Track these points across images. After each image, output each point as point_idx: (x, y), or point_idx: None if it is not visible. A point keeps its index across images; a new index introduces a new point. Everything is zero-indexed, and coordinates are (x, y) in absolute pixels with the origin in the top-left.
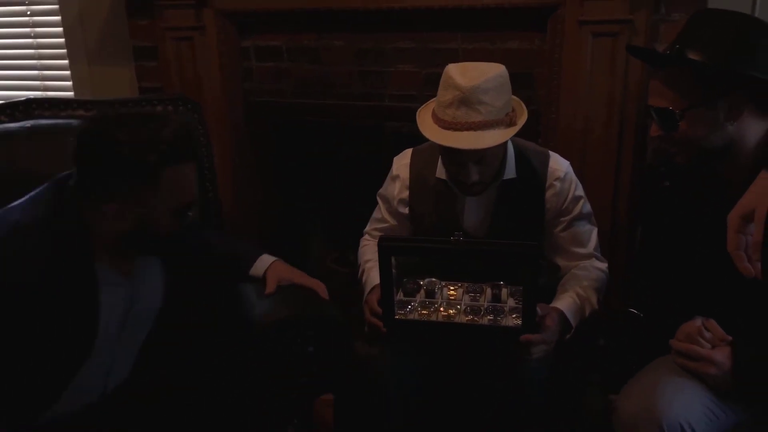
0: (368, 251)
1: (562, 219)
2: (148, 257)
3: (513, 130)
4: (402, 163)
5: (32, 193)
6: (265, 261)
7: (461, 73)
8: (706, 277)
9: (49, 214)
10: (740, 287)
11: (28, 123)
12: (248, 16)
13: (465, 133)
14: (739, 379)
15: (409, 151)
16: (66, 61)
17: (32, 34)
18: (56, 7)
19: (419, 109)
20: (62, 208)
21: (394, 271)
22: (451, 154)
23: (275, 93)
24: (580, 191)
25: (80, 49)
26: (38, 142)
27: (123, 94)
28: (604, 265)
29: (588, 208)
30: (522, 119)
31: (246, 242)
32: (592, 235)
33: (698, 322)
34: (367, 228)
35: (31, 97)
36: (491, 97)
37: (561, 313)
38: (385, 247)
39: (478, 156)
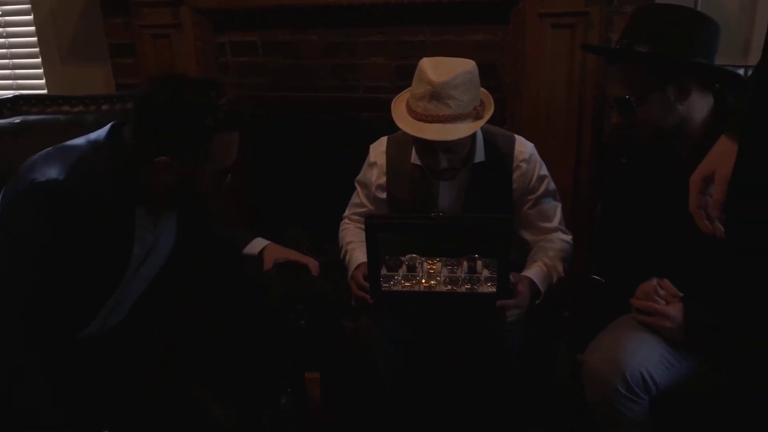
0: (349, 234)
1: (529, 197)
2: (172, 212)
3: (479, 123)
4: (378, 150)
5: (91, 135)
6: (260, 242)
7: (433, 68)
8: (661, 242)
9: (109, 155)
10: (690, 249)
11: (16, 119)
12: (223, 13)
13: (435, 125)
14: (689, 331)
15: (384, 139)
16: (38, 60)
17: (4, 34)
18: (28, 6)
19: (394, 100)
20: (119, 151)
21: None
22: (422, 144)
23: (251, 87)
24: (545, 171)
25: (53, 47)
26: (27, 138)
27: (98, 91)
28: (568, 237)
29: (552, 186)
30: (488, 113)
31: (242, 232)
32: (556, 210)
33: (654, 282)
34: (347, 213)
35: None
36: (460, 92)
37: (531, 281)
38: (372, 224)
39: (447, 146)
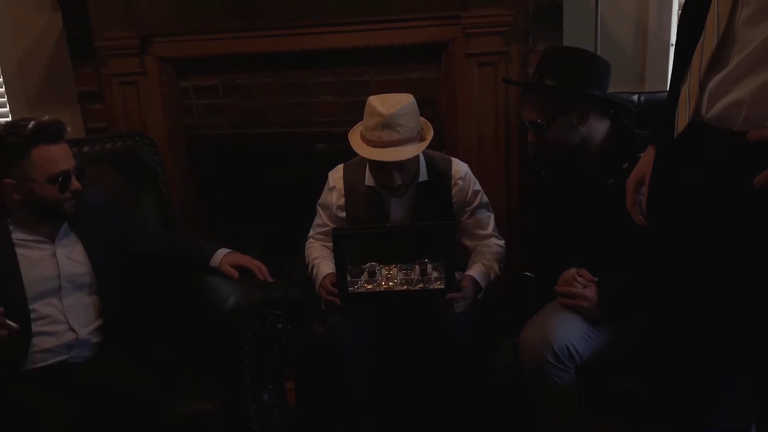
0: (315, 251)
1: (466, 209)
2: (64, 225)
3: (425, 144)
4: (336, 176)
5: None
6: (220, 253)
7: (381, 103)
8: (576, 238)
9: None
10: (600, 242)
11: None
12: (186, 60)
13: (389, 149)
14: (603, 309)
15: (341, 166)
16: (5, 109)
17: None
18: None
19: (349, 133)
20: None
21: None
22: (379, 165)
23: (213, 126)
24: (478, 186)
25: (21, 95)
26: None
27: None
28: (501, 242)
29: (485, 199)
30: (430, 135)
31: (210, 242)
32: (490, 220)
33: (572, 270)
34: (311, 233)
35: None
36: (406, 119)
37: (473, 278)
38: (339, 235)
39: (400, 165)
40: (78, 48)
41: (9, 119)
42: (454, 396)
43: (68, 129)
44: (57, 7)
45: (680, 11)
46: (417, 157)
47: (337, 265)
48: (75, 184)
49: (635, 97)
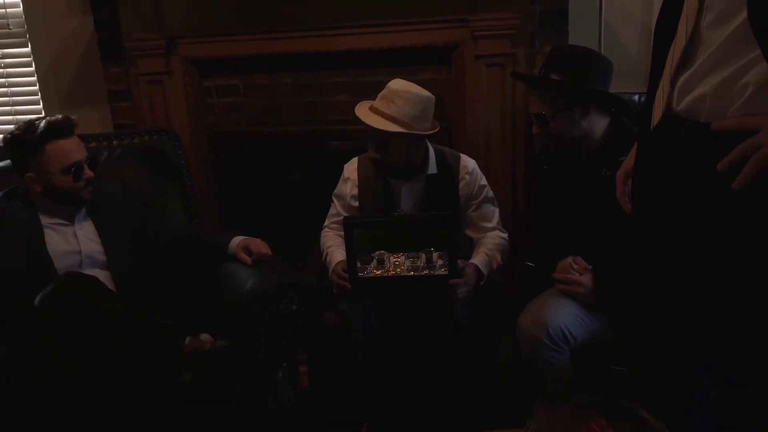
0: (328, 239)
1: (472, 202)
2: (83, 210)
3: (401, 129)
4: (351, 167)
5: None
6: (236, 240)
7: (398, 82)
8: (576, 227)
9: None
10: (597, 232)
11: None
12: (209, 61)
13: (373, 116)
14: (597, 294)
15: (355, 159)
16: (39, 106)
17: (6, 84)
18: (29, 59)
19: (361, 102)
20: (13, 192)
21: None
22: (367, 132)
23: (234, 124)
24: (484, 181)
25: (53, 94)
26: None
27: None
28: (505, 235)
29: (491, 194)
30: (414, 130)
31: (228, 232)
32: (495, 213)
33: (569, 258)
34: (326, 223)
35: None
36: (404, 102)
37: (476, 266)
38: (349, 223)
39: (379, 140)
40: (108, 49)
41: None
42: (454, 380)
43: (78, 123)
44: (88, 11)
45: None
46: (404, 147)
47: (347, 251)
48: (88, 173)
49: (636, 97)
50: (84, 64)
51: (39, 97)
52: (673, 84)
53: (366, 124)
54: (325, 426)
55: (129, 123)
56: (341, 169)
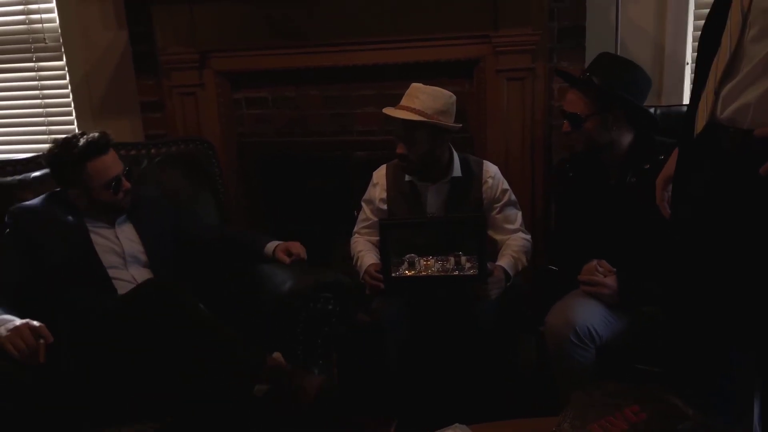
0: (359, 244)
1: (495, 205)
2: (122, 215)
3: (424, 119)
4: (380, 173)
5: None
6: (273, 243)
7: (421, 84)
8: (599, 232)
9: (53, 196)
10: (619, 236)
11: None
12: (240, 74)
13: (401, 110)
14: (622, 295)
15: (384, 165)
16: (71, 117)
17: (40, 96)
18: (63, 72)
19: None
20: (56, 196)
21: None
22: (392, 128)
23: (261, 134)
24: (506, 186)
25: (86, 105)
26: None
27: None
28: (528, 237)
29: (513, 197)
30: (435, 120)
31: (263, 234)
32: (518, 216)
33: (594, 262)
34: (356, 228)
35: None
36: (426, 97)
37: (502, 268)
38: (385, 224)
39: (401, 133)
40: (142, 62)
41: (76, 130)
42: (479, 377)
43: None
44: (122, 25)
45: (699, 32)
46: (425, 141)
47: (382, 251)
48: (126, 184)
49: (652, 110)
50: (117, 76)
51: (72, 108)
52: (717, 94)
53: (392, 119)
54: (356, 424)
55: (161, 133)
56: (365, 178)
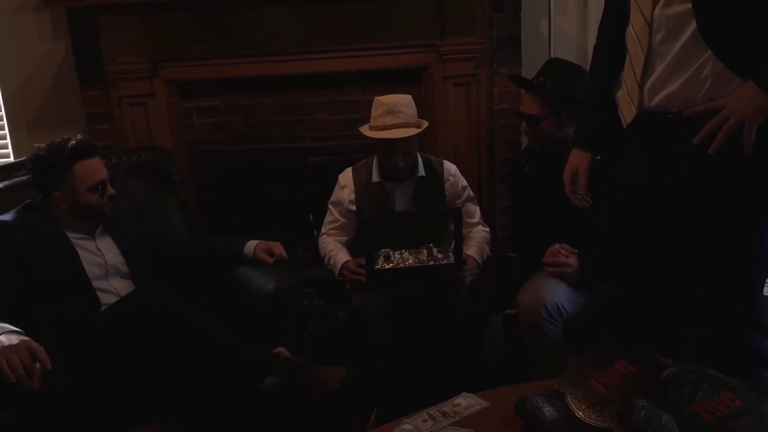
0: (329, 245)
1: (457, 201)
2: (100, 225)
3: (420, 129)
4: (347, 176)
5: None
6: (251, 243)
7: (385, 98)
8: (558, 219)
9: (27, 208)
10: (576, 221)
11: None
12: (191, 83)
13: (393, 130)
14: (583, 274)
15: (349, 168)
16: (3, 132)
17: None
18: None
19: (360, 128)
20: (30, 208)
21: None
22: (385, 150)
23: (214, 143)
24: (465, 183)
25: (20, 118)
26: None
27: None
28: (487, 229)
29: (472, 193)
30: (424, 124)
31: (236, 237)
32: (476, 210)
33: (556, 245)
34: (323, 230)
35: None
36: (405, 108)
37: (472, 257)
38: (367, 220)
39: (403, 148)
40: (86, 73)
41: (9, 143)
42: (458, 359)
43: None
44: (60, 36)
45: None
46: (416, 145)
47: (365, 246)
48: (110, 190)
49: None
50: (54, 87)
51: (4, 122)
52: (641, 88)
53: (394, 139)
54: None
55: (107, 144)
56: (321, 182)
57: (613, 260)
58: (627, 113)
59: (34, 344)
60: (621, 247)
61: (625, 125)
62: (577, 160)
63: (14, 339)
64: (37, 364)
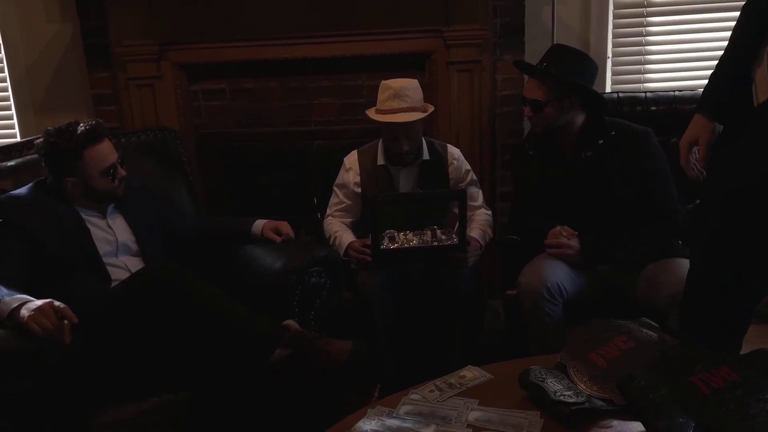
0: (334, 226)
1: (461, 185)
2: (111, 205)
3: (426, 113)
4: (352, 159)
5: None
6: (259, 222)
7: (392, 82)
8: (560, 202)
9: (40, 185)
10: (577, 203)
11: None
12: (198, 66)
13: (399, 114)
14: (584, 254)
15: (354, 151)
16: (10, 112)
17: None
18: (1, 65)
19: (366, 111)
20: (43, 185)
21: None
22: (391, 133)
23: (220, 125)
24: (468, 167)
25: (27, 100)
26: None
27: None
28: (489, 212)
29: (475, 177)
30: (430, 108)
31: (244, 217)
32: (479, 194)
33: (557, 227)
34: (328, 212)
35: None
36: (412, 92)
37: (475, 238)
38: (372, 201)
39: (408, 132)
40: (94, 54)
41: (15, 125)
42: (459, 338)
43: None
44: (67, 18)
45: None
46: (421, 129)
47: (372, 227)
48: (121, 171)
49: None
50: (62, 69)
51: (11, 102)
52: None
53: (400, 123)
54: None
55: (115, 126)
56: (324, 166)
57: (614, 243)
58: (762, 92)
59: (56, 303)
60: (714, 237)
61: (756, 104)
62: (700, 128)
63: (38, 303)
64: (65, 321)
